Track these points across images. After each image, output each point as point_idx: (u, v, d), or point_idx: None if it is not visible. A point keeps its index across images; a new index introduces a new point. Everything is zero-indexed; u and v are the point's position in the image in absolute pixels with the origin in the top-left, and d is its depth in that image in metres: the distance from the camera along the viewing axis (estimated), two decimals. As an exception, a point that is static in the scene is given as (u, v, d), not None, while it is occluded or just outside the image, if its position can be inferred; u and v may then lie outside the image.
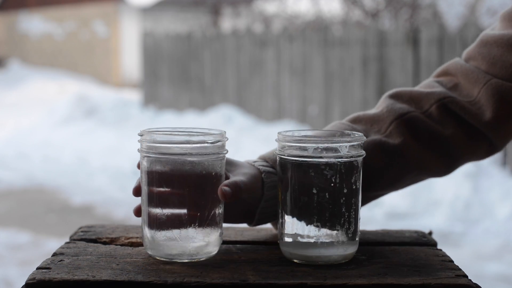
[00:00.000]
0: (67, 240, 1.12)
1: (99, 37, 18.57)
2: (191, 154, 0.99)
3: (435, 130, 1.19)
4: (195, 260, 1.01)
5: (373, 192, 1.20)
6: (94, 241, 1.11)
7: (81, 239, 1.11)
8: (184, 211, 1.00)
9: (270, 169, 1.11)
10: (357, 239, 1.03)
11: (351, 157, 1.00)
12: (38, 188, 6.74)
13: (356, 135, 1.04)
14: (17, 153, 8.56)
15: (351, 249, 1.02)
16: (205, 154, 1.00)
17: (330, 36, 8.02)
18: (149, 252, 1.03)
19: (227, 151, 1.04)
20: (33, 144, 8.92)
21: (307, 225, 1.00)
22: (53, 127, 9.91)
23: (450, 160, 1.22)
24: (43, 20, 19.96)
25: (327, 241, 1.00)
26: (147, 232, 1.02)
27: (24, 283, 0.92)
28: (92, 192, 6.48)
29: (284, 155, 1.01)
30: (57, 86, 15.96)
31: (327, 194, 0.99)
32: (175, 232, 1.00)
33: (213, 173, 1.01)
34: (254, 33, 9.23)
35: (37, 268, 0.95)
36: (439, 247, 1.12)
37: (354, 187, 1.01)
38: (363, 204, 1.16)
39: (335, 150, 1.00)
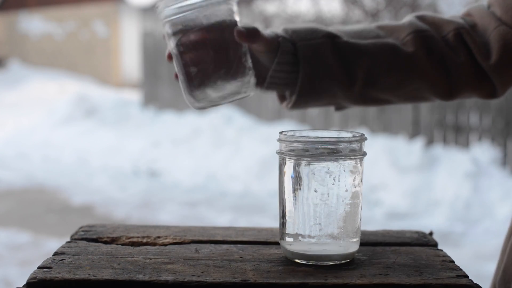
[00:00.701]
0: (68, 240, 1.12)
1: (99, 37, 18.57)
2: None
3: (448, 54, 1.27)
4: (236, 99, 1.13)
5: (373, 91, 1.27)
6: (95, 240, 1.11)
7: (82, 239, 1.11)
8: (212, 60, 1.10)
9: (288, 37, 1.21)
10: (358, 238, 1.03)
11: (353, 157, 1.00)
12: (38, 188, 6.74)
13: (358, 135, 1.04)
14: (17, 153, 8.56)
15: (352, 249, 1.02)
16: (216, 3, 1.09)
17: (330, 36, 8.01)
18: (196, 105, 1.14)
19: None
20: (33, 144, 8.92)
21: (308, 225, 1.00)
22: (53, 127, 9.91)
23: (454, 85, 1.29)
24: (43, 20, 19.96)
25: (328, 241, 1.00)
26: (187, 92, 1.12)
27: (24, 283, 0.92)
28: (92, 192, 6.48)
29: (286, 155, 1.02)
30: (57, 86, 15.96)
31: (328, 194, 0.99)
32: (211, 80, 1.10)
33: (228, 20, 1.10)
34: (254, 33, 9.22)
35: (38, 268, 0.95)
36: (439, 247, 1.12)
37: (355, 187, 1.01)
38: (362, 103, 1.28)
39: (337, 150, 1.00)
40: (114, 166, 7.67)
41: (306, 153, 1.00)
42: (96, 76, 18.20)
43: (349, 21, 11.08)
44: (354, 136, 1.03)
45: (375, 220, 5.27)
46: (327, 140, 1.01)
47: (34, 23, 20.15)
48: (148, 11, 18.65)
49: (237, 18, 1.12)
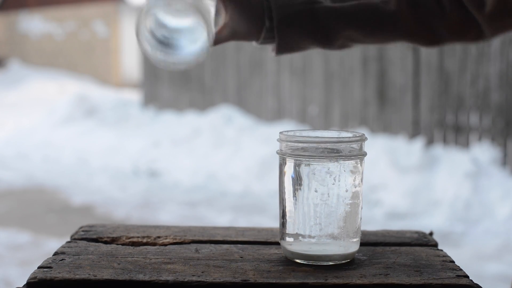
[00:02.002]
0: (68, 240, 1.12)
1: (99, 37, 18.57)
2: None
3: (434, 8, 1.26)
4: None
5: (354, 44, 1.28)
6: (95, 240, 1.11)
7: (82, 239, 1.12)
8: None
9: (267, 3, 1.20)
10: (358, 239, 1.03)
11: (353, 157, 1.00)
12: (38, 188, 6.74)
13: (358, 135, 1.04)
14: (17, 153, 8.56)
15: (352, 249, 1.02)
16: None
17: (330, 36, 8.01)
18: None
19: None
20: (33, 144, 8.92)
21: (308, 225, 1.00)
22: (53, 127, 9.91)
23: (437, 38, 1.30)
24: (43, 20, 19.96)
25: (328, 241, 1.00)
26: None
27: (24, 283, 0.92)
28: (92, 192, 6.48)
29: (286, 155, 1.02)
30: (57, 86, 15.96)
31: (328, 194, 0.99)
32: None
33: None
34: (254, 33, 9.23)
35: (39, 267, 0.95)
36: (439, 247, 1.12)
37: (355, 187, 1.01)
38: (339, 50, 1.28)
39: (337, 150, 1.00)
40: (114, 166, 7.67)
41: (306, 153, 1.00)
42: (96, 76, 18.20)
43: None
44: (354, 136, 1.03)
45: (375, 220, 5.27)
46: (327, 140, 1.01)
47: (34, 23, 20.15)
48: (148, 11, 18.52)
49: None
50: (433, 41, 1.30)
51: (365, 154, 1.03)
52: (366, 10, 1.24)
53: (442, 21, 1.27)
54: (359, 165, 1.02)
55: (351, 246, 1.01)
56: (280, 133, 1.04)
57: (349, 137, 1.02)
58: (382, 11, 1.25)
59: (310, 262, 1.00)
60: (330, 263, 1.00)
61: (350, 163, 1.00)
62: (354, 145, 1.01)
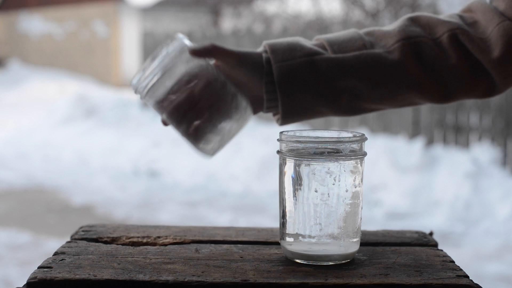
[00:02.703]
0: (68, 240, 1.12)
1: (99, 37, 18.57)
2: None
3: (440, 58, 1.22)
4: (241, 128, 1.13)
5: (361, 104, 1.22)
6: (95, 240, 1.11)
7: (82, 239, 1.12)
8: (199, 111, 1.10)
9: (266, 58, 1.18)
10: (358, 239, 1.03)
11: (353, 157, 1.00)
12: (38, 188, 6.74)
13: (358, 135, 1.04)
14: (17, 153, 8.56)
15: (352, 249, 1.02)
16: None
17: (330, 36, 8.01)
18: (208, 155, 1.16)
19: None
20: (33, 144, 8.92)
21: (308, 225, 1.00)
22: (53, 127, 9.91)
23: (448, 90, 1.24)
24: (43, 20, 19.96)
25: (328, 241, 1.00)
26: (194, 147, 1.13)
27: (24, 283, 0.92)
28: (92, 192, 6.48)
29: (286, 155, 1.02)
30: (57, 86, 15.96)
31: (328, 194, 0.99)
32: (207, 129, 1.11)
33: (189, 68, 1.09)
34: (255, 33, 9.23)
35: (39, 267, 0.95)
36: (439, 247, 1.12)
37: (355, 187, 1.01)
38: (352, 114, 1.23)
39: (337, 150, 1.00)
40: (114, 166, 7.67)
41: (306, 153, 1.00)
42: (96, 76, 18.20)
43: (349, 21, 11.07)
44: (354, 136, 1.03)
45: (375, 220, 5.27)
46: (327, 140, 1.01)
47: (34, 23, 20.15)
48: (148, 11, 18.63)
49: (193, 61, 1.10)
50: (444, 95, 1.24)
51: (365, 154, 1.03)
52: (369, 60, 1.19)
53: (450, 70, 1.22)
54: (359, 165, 1.02)
55: (351, 246, 1.01)
56: (280, 133, 1.04)
57: (349, 137, 1.02)
58: (386, 61, 1.20)
59: (310, 262, 1.00)
60: (330, 263, 1.00)
61: (350, 163, 1.00)
62: (354, 145, 1.01)
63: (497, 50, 1.21)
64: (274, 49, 1.18)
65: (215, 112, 1.09)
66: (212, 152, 1.14)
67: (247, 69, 1.16)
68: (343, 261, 1.01)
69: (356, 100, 1.20)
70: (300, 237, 1.01)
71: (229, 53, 1.14)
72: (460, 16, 1.28)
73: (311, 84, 1.17)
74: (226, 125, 1.11)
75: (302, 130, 1.07)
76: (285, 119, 1.20)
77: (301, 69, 1.17)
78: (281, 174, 1.03)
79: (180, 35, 1.11)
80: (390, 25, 1.28)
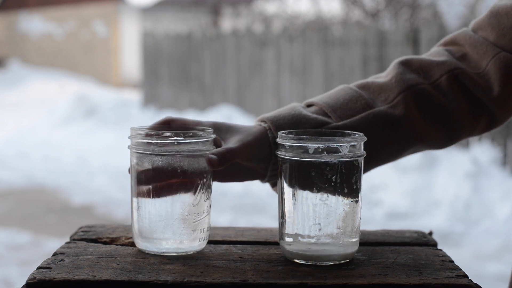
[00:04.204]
0: (67, 240, 1.12)
1: (99, 37, 18.58)
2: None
3: (442, 103, 1.18)
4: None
5: (372, 164, 1.19)
6: (95, 241, 1.11)
7: (82, 239, 1.11)
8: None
9: (272, 134, 1.12)
10: (357, 238, 1.03)
11: (352, 157, 1.00)
12: (38, 188, 6.74)
13: (357, 135, 1.04)
14: (17, 153, 8.56)
15: (352, 249, 1.02)
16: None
17: (330, 36, 8.02)
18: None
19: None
20: (33, 144, 8.93)
21: (307, 225, 1.00)
22: (53, 127, 9.91)
23: (452, 133, 1.21)
24: (43, 20, 19.96)
25: (327, 241, 1.00)
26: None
27: (24, 283, 0.92)
28: (92, 192, 6.48)
29: (285, 155, 1.02)
30: (57, 86, 15.96)
31: (327, 194, 0.99)
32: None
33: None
34: (254, 33, 9.23)
35: (38, 268, 0.95)
36: (439, 247, 1.12)
37: (354, 186, 1.01)
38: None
39: (336, 150, 1.00)
40: (114, 166, 7.66)
41: (305, 152, 1.00)
42: (96, 76, 18.21)
43: (349, 21, 11.08)
44: (353, 136, 1.03)
45: (375, 220, 5.27)
46: (326, 139, 1.00)
47: (34, 23, 20.16)
48: (148, 11, 18.63)
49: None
50: (448, 140, 1.21)
51: (364, 154, 1.03)
52: (376, 120, 1.15)
53: (452, 113, 1.18)
54: (358, 164, 1.02)
55: (350, 246, 1.01)
56: (280, 132, 1.04)
57: (349, 137, 1.02)
58: (392, 117, 1.16)
59: (309, 262, 1.00)
60: (329, 263, 1.00)
61: (349, 163, 1.00)
62: (353, 145, 1.01)
63: (497, 85, 1.18)
64: (278, 126, 1.13)
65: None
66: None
67: (254, 162, 1.12)
68: (343, 261, 1.01)
69: (368, 161, 1.15)
70: (299, 237, 1.01)
71: (239, 156, 1.09)
72: (448, 51, 1.23)
73: None
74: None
75: (302, 130, 1.07)
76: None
77: None
78: (280, 174, 1.03)
79: None
80: (382, 73, 1.23)
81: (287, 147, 1.02)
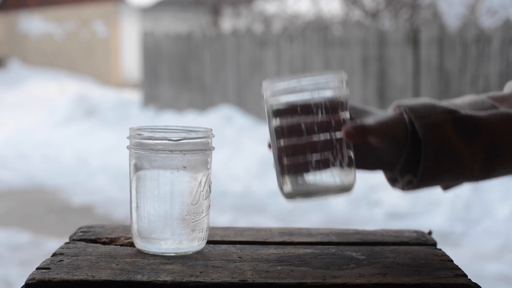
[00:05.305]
0: (67, 240, 1.12)
1: (99, 37, 18.58)
2: None
3: None
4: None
5: (494, 165, 1.18)
6: (94, 241, 1.11)
7: (81, 240, 1.11)
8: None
9: (406, 116, 1.13)
10: (352, 169, 1.06)
11: (336, 93, 1.04)
12: (38, 188, 6.74)
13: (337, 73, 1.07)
14: (17, 153, 8.57)
15: (349, 180, 1.04)
16: None
17: (330, 36, 8.02)
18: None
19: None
20: (33, 144, 8.93)
21: (303, 162, 1.04)
22: (53, 127, 9.92)
23: None
24: (43, 20, 19.97)
25: (324, 174, 1.04)
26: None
27: (24, 283, 0.92)
28: (92, 192, 6.48)
29: (271, 102, 1.06)
30: (57, 86, 15.97)
31: (316, 128, 1.03)
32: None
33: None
34: (254, 33, 9.23)
35: (37, 268, 0.95)
36: (439, 247, 1.12)
37: (342, 120, 1.05)
38: (480, 179, 1.20)
39: (322, 87, 1.04)
40: (114, 166, 7.66)
41: (291, 97, 1.04)
42: (96, 76, 18.21)
43: (349, 21, 11.08)
44: (334, 74, 1.07)
45: (374, 220, 5.27)
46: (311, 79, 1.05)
47: (34, 23, 20.16)
48: (148, 11, 18.62)
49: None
50: None
51: (348, 93, 1.06)
52: (504, 118, 1.15)
53: None
54: (342, 100, 1.05)
55: (347, 176, 1.05)
56: (264, 81, 1.08)
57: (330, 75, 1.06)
58: None
59: (309, 199, 1.06)
60: (329, 197, 1.06)
61: (335, 99, 1.04)
62: (336, 82, 1.05)
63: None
64: (412, 107, 1.14)
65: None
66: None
67: (388, 143, 1.13)
68: (342, 194, 1.06)
69: (492, 159, 1.16)
70: (298, 178, 1.06)
71: (374, 132, 1.10)
72: None
73: (454, 144, 1.13)
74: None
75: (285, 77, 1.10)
76: (421, 183, 1.15)
77: (445, 126, 1.13)
78: (270, 123, 1.08)
79: None
80: (501, 92, 1.24)
81: (274, 94, 1.06)
